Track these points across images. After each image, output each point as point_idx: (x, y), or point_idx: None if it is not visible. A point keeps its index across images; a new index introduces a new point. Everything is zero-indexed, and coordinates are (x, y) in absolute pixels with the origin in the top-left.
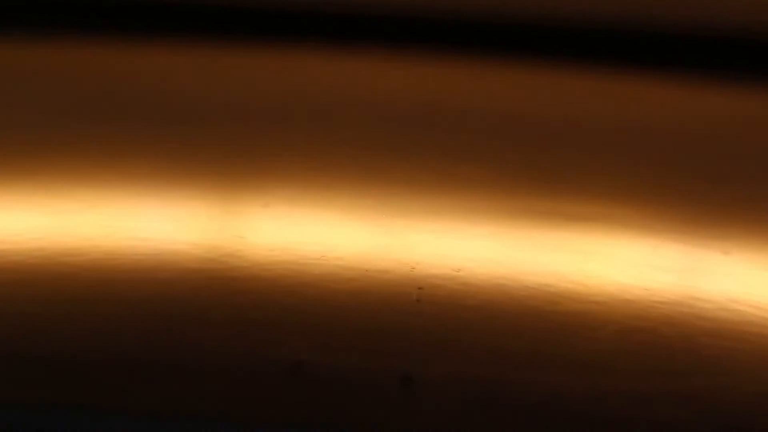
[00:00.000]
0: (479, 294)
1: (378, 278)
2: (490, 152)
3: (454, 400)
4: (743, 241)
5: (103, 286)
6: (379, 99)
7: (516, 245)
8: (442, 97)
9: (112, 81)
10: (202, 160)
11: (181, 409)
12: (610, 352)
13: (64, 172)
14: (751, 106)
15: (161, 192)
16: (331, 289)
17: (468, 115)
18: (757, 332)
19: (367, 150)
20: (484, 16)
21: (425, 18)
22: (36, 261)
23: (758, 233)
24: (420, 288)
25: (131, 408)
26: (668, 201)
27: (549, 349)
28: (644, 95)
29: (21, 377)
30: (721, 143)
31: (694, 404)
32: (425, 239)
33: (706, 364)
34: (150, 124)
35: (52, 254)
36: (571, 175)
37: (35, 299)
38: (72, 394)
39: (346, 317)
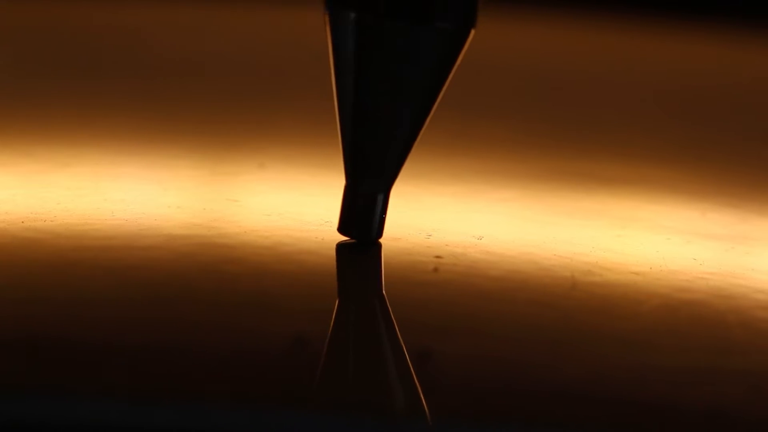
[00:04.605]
0: (503, 263)
1: (389, 246)
2: (511, 109)
3: (476, 380)
4: None
5: (75, 253)
6: None
7: (544, 210)
8: None
9: (88, 32)
10: (190, 116)
11: (165, 392)
12: (653, 328)
13: (33, 129)
14: None
15: (142, 150)
16: (335, 258)
17: (486, 69)
18: None
19: None
20: None
21: None
22: (0, 225)
23: None
24: (438, 257)
25: (107, 391)
26: (716, 162)
27: (583, 324)
28: (686, 49)
29: None
30: None
31: (750, 384)
32: (442, 203)
33: (762, 339)
34: (130, 77)
35: (18, 218)
36: (605, 134)
37: None
38: (40, 376)
39: (354, 288)
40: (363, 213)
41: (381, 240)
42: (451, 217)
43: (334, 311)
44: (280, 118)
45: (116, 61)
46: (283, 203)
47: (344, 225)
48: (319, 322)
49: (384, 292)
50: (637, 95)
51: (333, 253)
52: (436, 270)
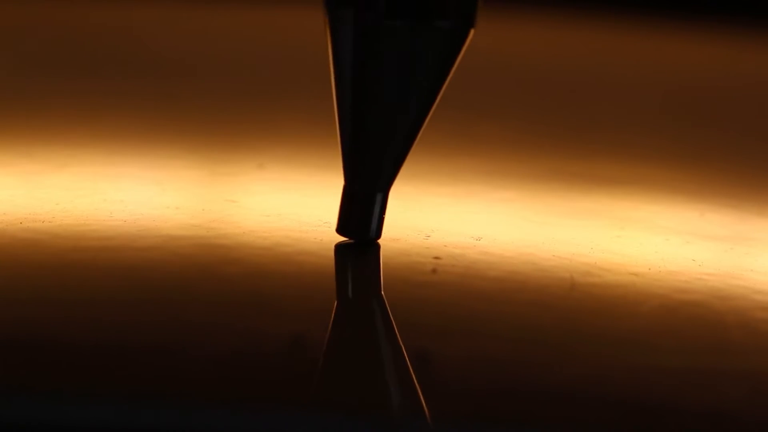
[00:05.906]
0: (502, 264)
1: (388, 247)
2: (511, 109)
3: (475, 381)
4: None
5: (73, 254)
6: None
7: (543, 210)
8: None
9: (86, 32)
10: (188, 116)
11: (164, 393)
12: (652, 329)
13: (31, 129)
14: None
15: (141, 151)
16: (334, 259)
17: (486, 69)
18: None
19: None
20: None
21: None
22: None
23: None
24: (436, 258)
25: (107, 393)
26: (715, 162)
27: (582, 325)
28: (685, 49)
29: None
30: None
31: (749, 384)
32: (441, 204)
33: (761, 340)
34: (129, 77)
35: (16, 219)
36: (605, 133)
37: None
38: (39, 376)
39: (352, 289)
40: (361, 213)
41: (380, 240)
42: (450, 217)
43: (333, 312)
44: (280, 118)
45: (115, 61)
46: (282, 204)
47: (342, 225)
48: (318, 323)
49: (382, 293)
50: (636, 95)
51: (332, 254)
52: (434, 271)
